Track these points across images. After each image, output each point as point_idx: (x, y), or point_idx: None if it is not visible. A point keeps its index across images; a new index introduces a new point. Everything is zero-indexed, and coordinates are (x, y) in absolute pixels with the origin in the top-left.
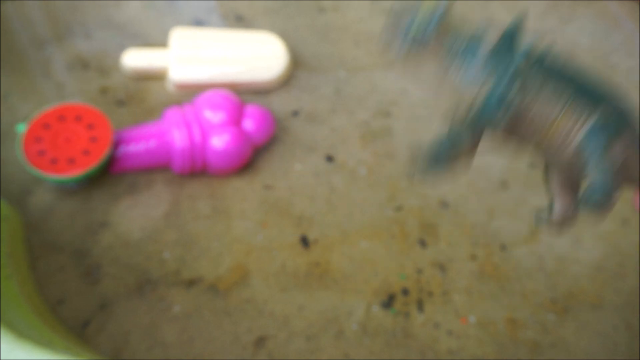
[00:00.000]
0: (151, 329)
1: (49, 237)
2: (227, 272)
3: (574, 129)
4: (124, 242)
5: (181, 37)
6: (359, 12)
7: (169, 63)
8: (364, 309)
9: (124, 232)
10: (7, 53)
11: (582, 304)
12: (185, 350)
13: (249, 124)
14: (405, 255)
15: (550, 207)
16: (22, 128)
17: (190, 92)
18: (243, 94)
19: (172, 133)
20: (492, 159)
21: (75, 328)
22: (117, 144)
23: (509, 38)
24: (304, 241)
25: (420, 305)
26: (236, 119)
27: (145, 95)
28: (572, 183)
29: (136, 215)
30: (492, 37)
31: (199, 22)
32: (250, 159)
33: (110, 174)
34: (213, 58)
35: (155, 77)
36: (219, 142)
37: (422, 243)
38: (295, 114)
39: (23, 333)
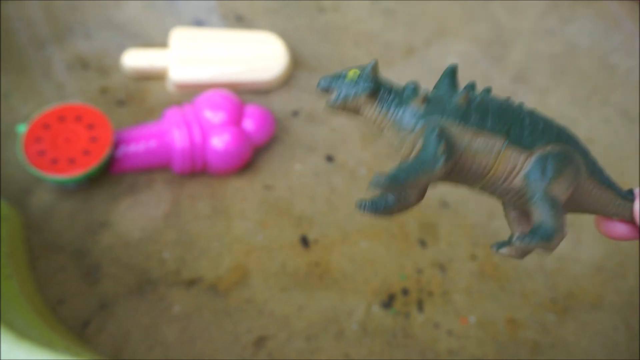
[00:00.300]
0: (151, 329)
1: (49, 237)
2: (227, 272)
3: (512, 173)
4: (124, 242)
5: (181, 37)
6: (359, 12)
7: (169, 63)
8: (364, 309)
9: (124, 232)
10: (7, 53)
11: (582, 304)
12: (185, 350)
13: (249, 124)
14: (405, 255)
15: (510, 237)
16: (22, 128)
17: (190, 92)
18: (243, 94)
19: (172, 133)
20: None
21: (75, 328)
22: (117, 144)
23: (447, 80)
24: (304, 241)
25: (420, 305)
26: (236, 119)
27: (145, 95)
28: (526, 216)
29: (136, 215)
30: (422, 92)
31: (199, 22)
32: (250, 159)
33: (110, 174)
34: (213, 58)
35: (155, 77)
36: (219, 142)
37: (422, 243)
38: (295, 114)
39: (23, 333)
